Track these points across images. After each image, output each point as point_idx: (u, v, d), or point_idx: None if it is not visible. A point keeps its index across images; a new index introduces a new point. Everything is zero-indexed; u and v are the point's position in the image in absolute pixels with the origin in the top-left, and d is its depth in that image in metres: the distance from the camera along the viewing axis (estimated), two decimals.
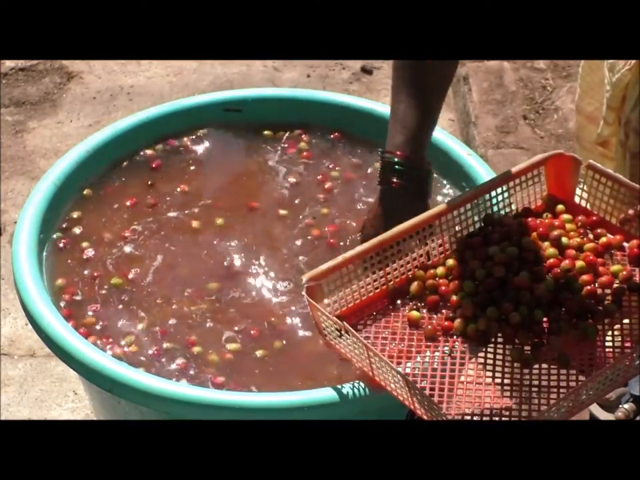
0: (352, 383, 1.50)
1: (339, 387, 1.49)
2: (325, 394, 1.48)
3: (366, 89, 3.44)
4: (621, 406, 2.28)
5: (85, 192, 1.90)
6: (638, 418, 2.26)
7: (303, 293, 1.49)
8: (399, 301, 1.58)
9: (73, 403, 2.50)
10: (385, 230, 1.59)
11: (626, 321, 1.52)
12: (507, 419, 1.40)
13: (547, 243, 1.61)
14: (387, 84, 3.46)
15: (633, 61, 1.84)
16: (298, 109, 2.05)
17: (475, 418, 1.40)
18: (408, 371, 1.47)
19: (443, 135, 1.95)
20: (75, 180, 1.89)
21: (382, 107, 2.03)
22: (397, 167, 1.63)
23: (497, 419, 1.40)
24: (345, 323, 1.45)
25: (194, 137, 2.02)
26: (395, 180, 1.64)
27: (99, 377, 1.53)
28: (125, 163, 1.96)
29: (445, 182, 1.90)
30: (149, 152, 1.98)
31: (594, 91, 2.00)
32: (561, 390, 1.43)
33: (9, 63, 3.56)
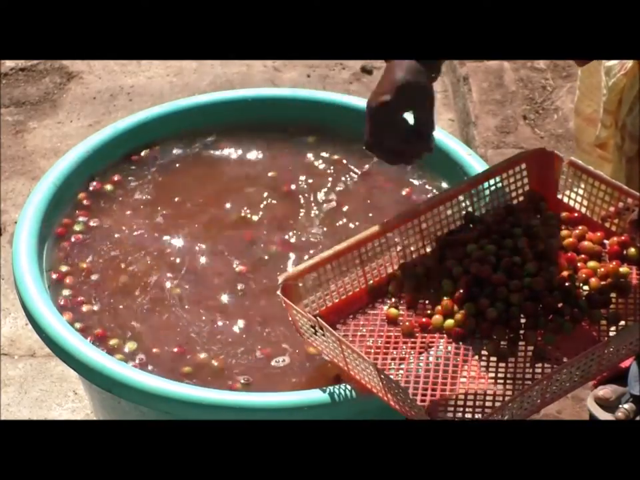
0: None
1: (339, 387, 1.49)
2: (325, 394, 1.48)
3: (366, 89, 3.44)
4: (620, 406, 2.28)
5: (85, 192, 1.90)
6: (638, 418, 2.26)
7: (278, 292, 1.50)
8: (378, 300, 1.60)
9: (72, 403, 2.50)
10: (388, 92, 1.54)
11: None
12: (480, 410, 1.42)
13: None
14: None
15: (629, 66, 1.85)
16: (298, 108, 2.04)
17: (449, 409, 1.42)
18: (384, 364, 1.48)
19: (443, 134, 1.95)
20: (75, 180, 1.89)
21: None
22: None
23: (478, 411, 1.42)
24: (318, 318, 1.46)
25: (193, 136, 2.02)
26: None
27: (99, 377, 1.53)
28: (125, 163, 1.96)
29: (444, 182, 1.90)
30: (148, 152, 1.98)
31: (593, 93, 2.00)
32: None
33: (9, 63, 3.55)
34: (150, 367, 1.61)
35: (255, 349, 1.63)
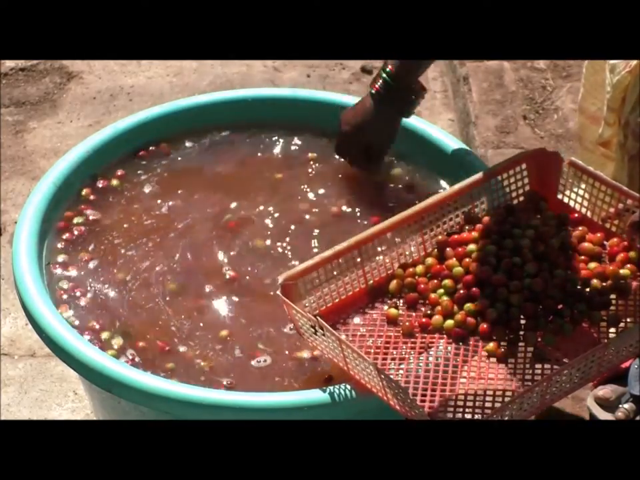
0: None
1: (339, 387, 1.49)
2: (325, 394, 1.48)
3: (366, 89, 3.43)
4: (620, 406, 2.28)
5: (84, 192, 1.90)
6: (638, 418, 2.26)
7: (278, 292, 1.50)
8: (378, 299, 1.60)
9: (72, 403, 2.50)
10: (349, 124, 1.87)
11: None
12: (480, 411, 1.42)
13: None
14: None
15: (633, 63, 1.84)
16: (298, 108, 2.04)
17: (449, 409, 1.42)
18: (384, 364, 1.49)
19: (443, 134, 1.95)
20: (75, 180, 1.89)
21: None
22: (383, 75, 1.83)
23: (478, 412, 1.42)
24: (318, 318, 1.46)
25: (194, 136, 2.02)
26: (376, 85, 1.85)
27: (99, 376, 1.53)
28: (124, 163, 1.96)
29: (445, 182, 1.90)
30: (148, 152, 1.98)
31: (597, 91, 2.00)
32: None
33: (9, 63, 3.55)
34: (137, 360, 1.61)
35: (235, 348, 1.63)
